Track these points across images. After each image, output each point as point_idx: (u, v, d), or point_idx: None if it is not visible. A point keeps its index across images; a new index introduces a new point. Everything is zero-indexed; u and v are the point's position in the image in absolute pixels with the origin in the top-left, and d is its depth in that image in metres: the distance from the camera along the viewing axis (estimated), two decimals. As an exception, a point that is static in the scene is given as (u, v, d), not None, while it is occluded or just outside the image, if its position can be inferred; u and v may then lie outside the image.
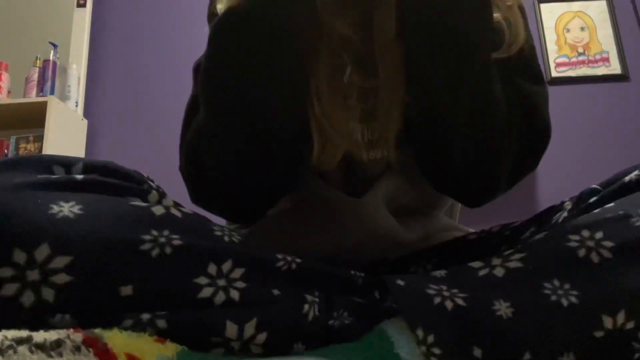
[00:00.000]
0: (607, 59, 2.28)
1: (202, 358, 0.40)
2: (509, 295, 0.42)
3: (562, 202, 0.59)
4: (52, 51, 2.36)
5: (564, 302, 0.41)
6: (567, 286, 0.42)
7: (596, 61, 2.29)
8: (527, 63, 0.62)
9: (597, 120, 2.21)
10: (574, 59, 2.30)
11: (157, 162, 2.37)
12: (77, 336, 0.34)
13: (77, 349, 0.33)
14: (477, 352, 0.40)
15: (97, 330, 0.36)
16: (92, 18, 2.53)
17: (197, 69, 0.66)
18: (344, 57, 0.61)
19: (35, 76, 2.33)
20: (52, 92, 2.28)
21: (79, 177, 0.43)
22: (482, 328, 0.41)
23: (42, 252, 0.36)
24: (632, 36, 2.30)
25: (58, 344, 0.32)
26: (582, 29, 2.33)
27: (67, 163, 0.45)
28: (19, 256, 0.36)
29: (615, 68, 2.26)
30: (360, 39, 0.60)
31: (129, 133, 2.39)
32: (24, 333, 0.32)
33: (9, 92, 2.32)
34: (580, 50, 2.31)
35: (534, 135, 0.60)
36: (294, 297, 0.45)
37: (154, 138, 2.31)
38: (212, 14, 0.65)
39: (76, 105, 2.36)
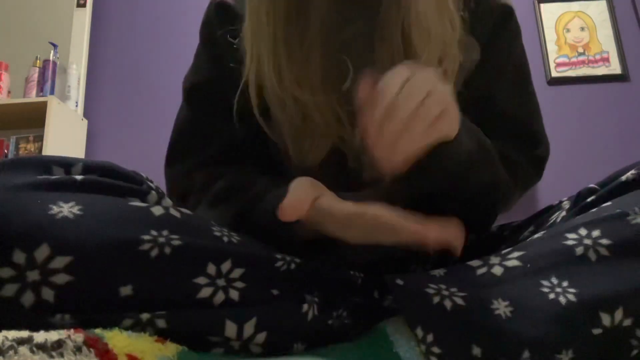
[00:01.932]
0: (607, 59, 2.28)
1: (202, 358, 0.40)
2: (508, 294, 0.43)
3: (560, 202, 0.59)
4: (52, 51, 2.36)
5: (562, 300, 0.41)
6: (565, 284, 0.42)
7: (596, 61, 2.28)
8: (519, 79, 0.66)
9: (597, 120, 2.21)
10: (574, 59, 2.29)
11: (157, 162, 2.36)
12: (79, 336, 0.34)
13: (78, 349, 0.33)
14: (477, 350, 0.40)
15: (98, 331, 0.36)
16: (92, 18, 2.52)
17: (191, 90, 0.68)
18: (347, 61, 0.61)
19: (35, 76, 2.32)
20: (52, 92, 2.28)
21: (79, 177, 0.43)
22: (481, 327, 0.41)
23: (42, 252, 0.36)
24: (632, 36, 2.30)
25: (59, 344, 0.32)
26: (582, 29, 2.33)
27: (66, 164, 0.45)
28: (19, 257, 0.36)
29: (615, 68, 2.26)
30: (364, 44, 0.60)
31: (129, 133, 2.39)
32: (24, 333, 0.32)
33: (9, 92, 2.32)
34: (580, 50, 2.30)
35: (535, 160, 0.64)
36: (294, 297, 0.45)
37: (154, 138, 2.31)
38: (210, 39, 0.67)
39: (76, 105, 2.36)
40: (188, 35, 2.51)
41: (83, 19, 2.48)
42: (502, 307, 0.42)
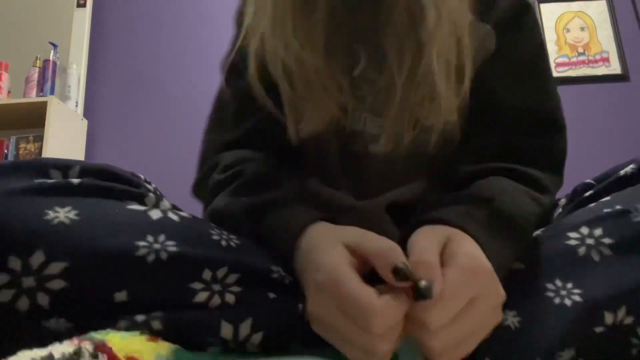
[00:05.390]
0: (607, 59, 2.28)
1: (198, 356, 0.40)
2: (515, 303, 0.42)
3: (558, 200, 0.59)
4: (52, 51, 2.36)
5: (568, 302, 0.41)
6: (569, 285, 0.42)
7: (596, 61, 2.28)
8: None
9: (597, 120, 2.21)
10: (574, 59, 2.29)
11: (157, 162, 2.37)
12: (87, 344, 0.34)
13: (94, 357, 0.33)
14: None
15: (93, 334, 0.36)
16: (92, 18, 2.52)
17: (227, 71, 0.66)
18: (358, 47, 0.60)
19: (35, 76, 2.32)
20: (52, 92, 2.28)
21: (75, 181, 0.43)
22: (491, 338, 0.41)
23: (37, 258, 0.36)
24: (632, 36, 2.29)
25: (77, 354, 0.32)
26: (582, 29, 2.33)
27: (64, 166, 0.45)
28: (14, 263, 0.36)
29: (615, 68, 2.26)
30: (375, 31, 0.59)
31: (129, 133, 2.39)
32: (43, 351, 0.32)
33: (9, 92, 2.32)
34: (580, 50, 2.30)
35: (554, 160, 0.61)
36: (291, 298, 0.45)
37: (154, 138, 2.31)
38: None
39: (76, 105, 2.36)
40: (188, 35, 2.51)
41: (83, 19, 2.48)
42: (510, 318, 0.41)
